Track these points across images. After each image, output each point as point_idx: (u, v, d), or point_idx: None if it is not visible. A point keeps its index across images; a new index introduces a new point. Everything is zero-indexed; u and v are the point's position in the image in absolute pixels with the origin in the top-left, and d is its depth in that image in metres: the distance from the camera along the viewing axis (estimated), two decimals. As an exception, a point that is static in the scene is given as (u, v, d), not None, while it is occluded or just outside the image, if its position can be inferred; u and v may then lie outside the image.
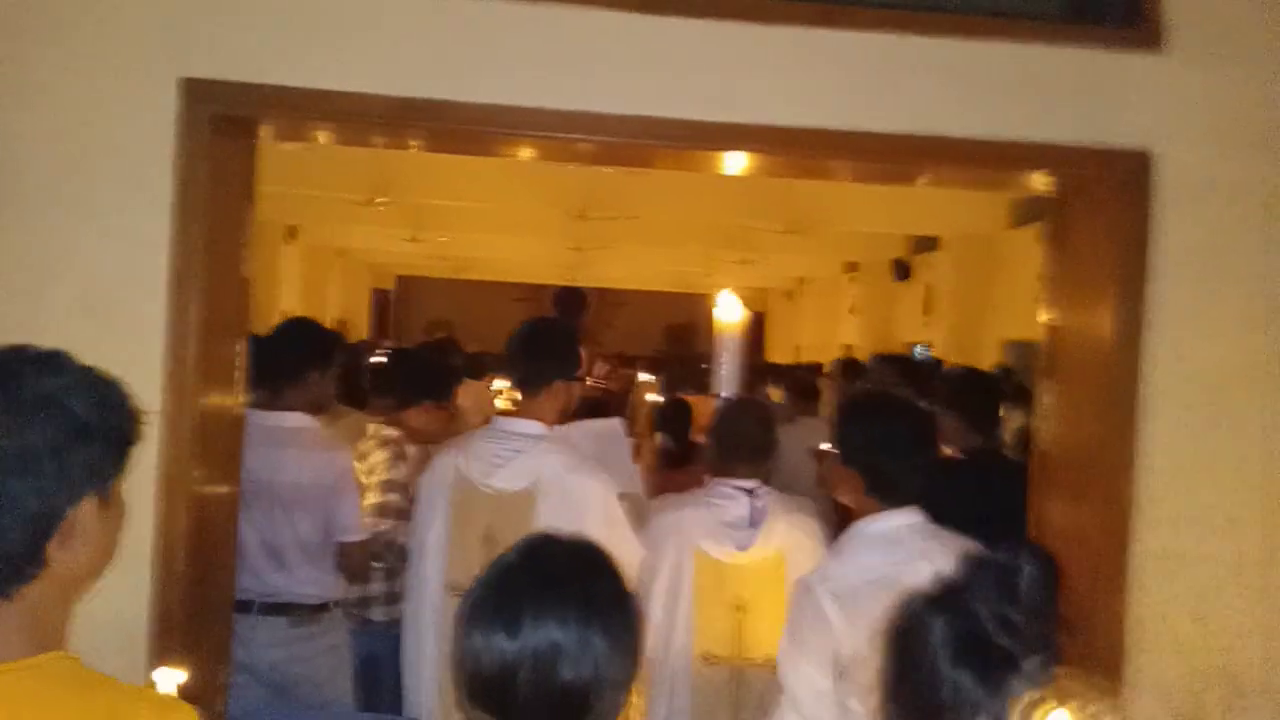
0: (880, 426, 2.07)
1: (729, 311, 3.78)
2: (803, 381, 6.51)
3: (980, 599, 1.11)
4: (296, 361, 2.96)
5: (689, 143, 2.25)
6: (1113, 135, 2.27)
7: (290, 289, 11.78)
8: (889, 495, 2.02)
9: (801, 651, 1.94)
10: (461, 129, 2.20)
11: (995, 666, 1.09)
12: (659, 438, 3.73)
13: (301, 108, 2.13)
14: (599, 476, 2.43)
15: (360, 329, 15.09)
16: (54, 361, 1.11)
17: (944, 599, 1.13)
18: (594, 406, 3.26)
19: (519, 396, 2.58)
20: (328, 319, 12.83)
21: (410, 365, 3.88)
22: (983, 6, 2.25)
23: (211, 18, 2.08)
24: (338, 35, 2.13)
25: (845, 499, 2.11)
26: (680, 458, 3.56)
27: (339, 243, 13.58)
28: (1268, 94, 2.32)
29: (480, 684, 1.16)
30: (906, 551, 1.97)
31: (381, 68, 2.13)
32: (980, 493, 3.12)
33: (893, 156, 2.27)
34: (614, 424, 3.36)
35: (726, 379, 3.73)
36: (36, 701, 1.05)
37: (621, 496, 3.09)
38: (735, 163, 2.41)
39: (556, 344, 2.57)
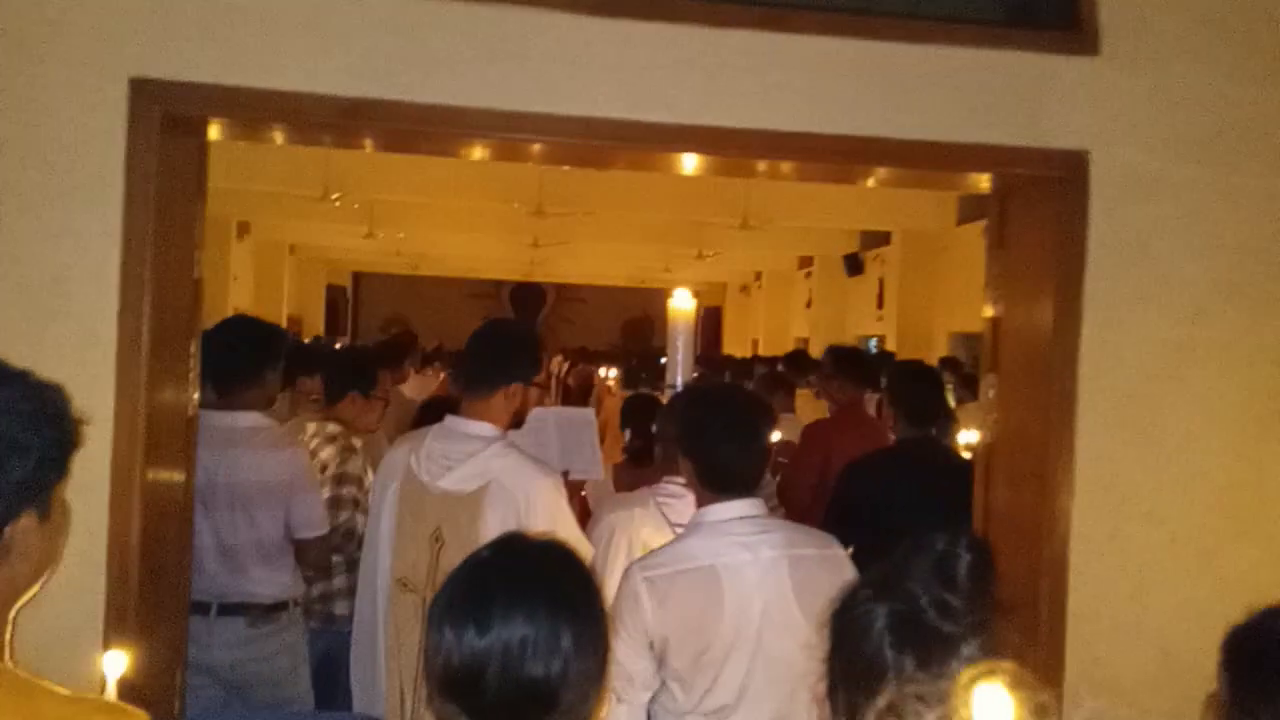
0: (704, 415, 2.10)
1: (681, 302, 3.80)
2: (774, 376, 6.50)
3: (920, 585, 1.15)
4: (251, 362, 2.95)
5: (638, 144, 2.28)
6: (1050, 136, 2.34)
7: (242, 286, 11.62)
8: (717, 484, 2.05)
9: (617, 634, 1.96)
10: (412, 129, 2.21)
11: (936, 651, 1.13)
12: (625, 434, 3.71)
13: (251, 108, 2.12)
14: (547, 480, 2.44)
15: (315, 326, 14.93)
16: None
17: (886, 586, 1.17)
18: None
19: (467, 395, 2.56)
20: (281, 316, 12.68)
21: (333, 359, 3.92)
22: (923, 11, 2.31)
23: (162, 18, 2.07)
24: (288, 35, 2.12)
25: (690, 487, 2.13)
26: (645, 455, 3.54)
27: (292, 239, 13.42)
28: (1198, 97, 2.40)
29: (450, 679, 1.18)
30: (729, 542, 1.99)
31: (331, 68, 2.13)
32: (907, 480, 3.20)
33: (837, 158, 2.32)
34: (587, 413, 3.53)
35: (679, 371, 3.75)
36: None
37: (580, 482, 3.15)
38: (682, 163, 2.45)
39: (516, 346, 2.57)
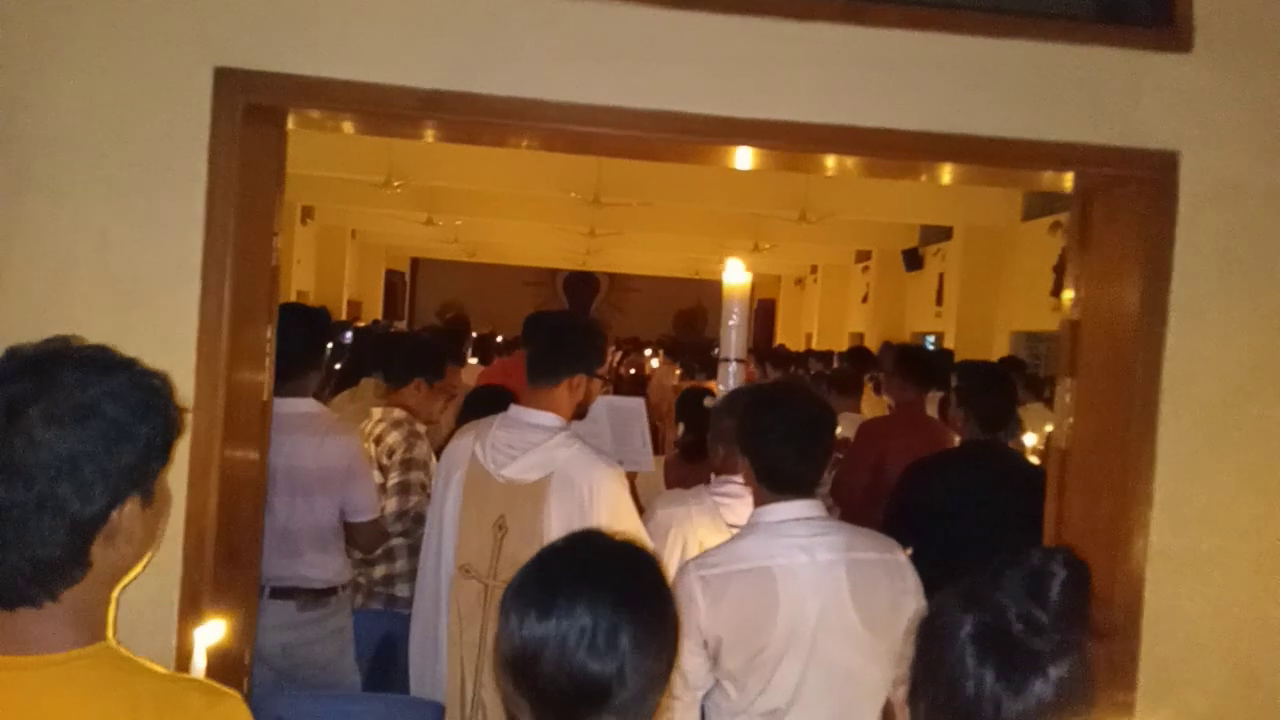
0: (765, 415, 2.08)
1: (734, 275, 3.61)
2: (841, 374, 6.42)
3: (1010, 598, 1.12)
4: (306, 349, 2.98)
5: (712, 138, 2.24)
6: (1139, 135, 2.27)
7: (305, 269, 11.83)
8: (776, 484, 2.04)
9: None
10: (488, 121, 2.20)
11: (1019, 666, 1.10)
12: (679, 428, 3.64)
13: (332, 98, 2.13)
14: (611, 472, 2.44)
15: (374, 310, 15.17)
16: (96, 362, 1.10)
17: (974, 596, 1.15)
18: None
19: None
20: (341, 300, 12.90)
21: (402, 345, 3.94)
22: (1011, 5, 2.25)
23: (246, 8, 2.09)
24: (367, 27, 2.13)
25: (749, 487, 2.12)
26: (697, 449, 3.46)
27: (354, 224, 13.63)
28: (1295, 98, 2.31)
29: (508, 660, 1.19)
30: (786, 544, 1.98)
31: (409, 60, 2.14)
32: (973, 484, 3.15)
33: (917, 154, 2.27)
34: (637, 402, 3.47)
35: (732, 348, 3.61)
36: (87, 691, 1.07)
37: (630, 474, 3.13)
38: (756, 159, 2.42)
39: (581, 337, 2.59)
